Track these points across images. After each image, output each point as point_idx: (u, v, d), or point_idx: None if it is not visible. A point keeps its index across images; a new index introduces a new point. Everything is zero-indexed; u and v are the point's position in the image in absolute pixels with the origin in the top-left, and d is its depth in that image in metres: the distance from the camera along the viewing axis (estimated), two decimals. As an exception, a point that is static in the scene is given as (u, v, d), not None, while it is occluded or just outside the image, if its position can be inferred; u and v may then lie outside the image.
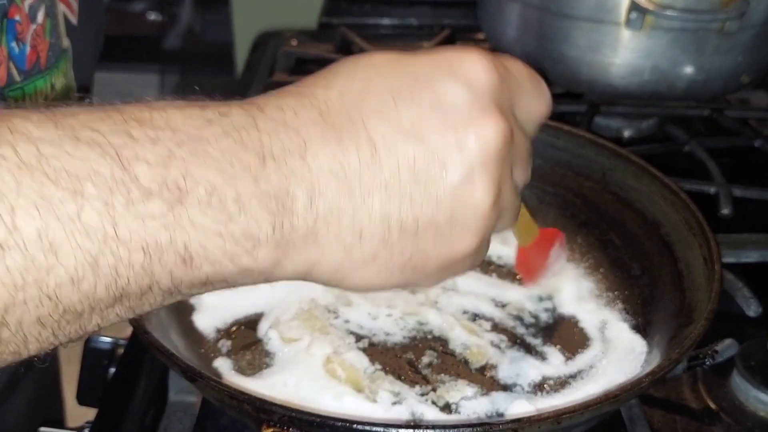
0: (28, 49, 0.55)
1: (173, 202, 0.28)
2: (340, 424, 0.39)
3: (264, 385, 0.49)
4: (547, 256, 0.54)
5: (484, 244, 0.35)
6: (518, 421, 0.40)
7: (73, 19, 0.65)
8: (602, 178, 0.64)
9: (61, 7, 0.62)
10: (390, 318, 0.56)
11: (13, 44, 0.53)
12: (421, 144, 0.32)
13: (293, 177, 0.30)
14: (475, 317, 0.57)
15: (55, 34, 0.60)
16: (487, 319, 0.57)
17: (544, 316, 0.58)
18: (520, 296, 0.59)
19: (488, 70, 0.34)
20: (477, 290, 0.60)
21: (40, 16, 0.57)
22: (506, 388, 0.51)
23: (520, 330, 0.56)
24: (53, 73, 0.59)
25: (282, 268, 0.32)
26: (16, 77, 0.54)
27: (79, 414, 0.62)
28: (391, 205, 0.32)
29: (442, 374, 0.52)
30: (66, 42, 0.63)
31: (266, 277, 0.32)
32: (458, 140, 0.32)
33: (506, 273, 0.62)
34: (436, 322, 0.56)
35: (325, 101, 0.32)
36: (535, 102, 0.38)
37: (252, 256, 0.30)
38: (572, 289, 0.60)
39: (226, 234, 0.29)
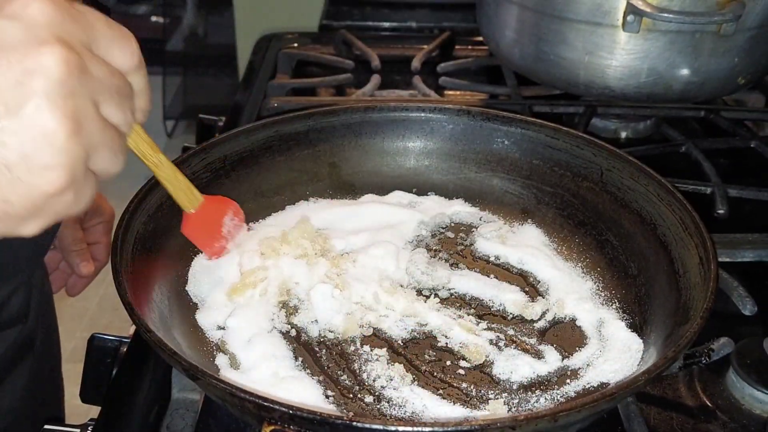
0: None
1: None
2: (339, 422, 0.40)
3: (248, 379, 0.50)
4: (219, 224, 0.59)
5: (79, 179, 0.35)
6: (516, 419, 0.40)
7: None
8: (600, 179, 0.65)
9: None
10: (388, 319, 0.57)
11: None
12: None
13: None
14: (474, 316, 0.58)
15: None
16: (485, 318, 0.58)
17: (542, 315, 0.58)
18: (518, 295, 0.60)
19: (44, 4, 0.34)
20: (475, 290, 0.61)
21: None
22: (504, 385, 0.52)
23: (518, 329, 0.57)
24: None
25: None
26: None
27: (81, 412, 0.63)
28: None
29: (442, 372, 0.53)
30: None
31: None
32: (16, 76, 0.32)
33: (505, 273, 0.63)
34: (435, 322, 0.57)
35: None
36: (117, 45, 0.38)
37: None
38: (570, 288, 0.60)
39: None
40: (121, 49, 0.38)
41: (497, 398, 0.50)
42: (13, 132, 0.32)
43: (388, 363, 0.53)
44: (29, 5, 0.34)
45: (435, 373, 0.52)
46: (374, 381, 0.51)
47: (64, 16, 0.35)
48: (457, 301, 0.60)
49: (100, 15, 0.38)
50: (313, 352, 0.54)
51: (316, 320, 0.56)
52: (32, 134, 0.32)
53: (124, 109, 0.38)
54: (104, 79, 0.36)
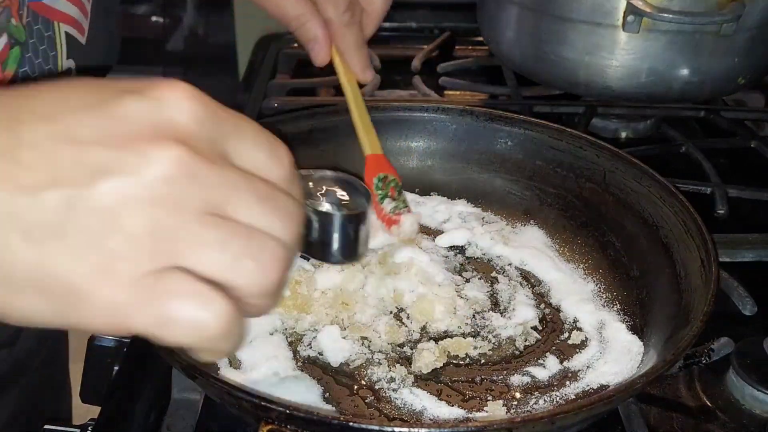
0: None
1: None
2: (336, 422, 0.40)
3: (248, 379, 0.50)
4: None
5: (142, 282, 0.29)
6: (513, 421, 0.40)
7: (81, 39, 0.64)
8: (603, 180, 0.65)
9: (64, 29, 0.61)
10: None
11: None
12: (78, 148, 0.29)
13: None
14: (475, 315, 0.58)
15: (44, 59, 0.59)
16: (486, 318, 0.58)
17: (543, 317, 0.58)
18: (519, 297, 0.60)
19: (190, 98, 0.31)
20: (477, 291, 0.60)
21: None
22: (503, 387, 0.52)
23: (519, 330, 0.57)
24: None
25: None
26: None
27: (81, 412, 0.63)
28: (16, 204, 0.28)
29: (442, 374, 0.53)
30: (66, 64, 0.62)
31: None
32: (120, 157, 0.29)
33: (507, 274, 0.63)
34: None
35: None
36: (262, 156, 0.33)
37: None
38: (571, 289, 0.60)
39: None
40: (268, 158, 0.33)
41: (496, 400, 0.50)
42: (87, 209, 0.28)
43: (389, 365, 0.53)
44: (174, 94, 0.31)
45: (435, 375, 0.52)
46: (374, 382, 0.51)
47: (204, 114, 0.31)
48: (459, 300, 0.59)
49: (250, 121, 0.34)
50: (314, 355, 0.54)
51: (321, 352, 0.54)
52: (107, 219, 0.29)
53: (264, 213, 0.32)
54: (226, 183, 0.31)
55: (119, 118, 0.30)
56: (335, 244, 0.42)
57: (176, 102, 0.31)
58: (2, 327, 0.69)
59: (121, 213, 0.29)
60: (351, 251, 0.43)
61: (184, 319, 0.30)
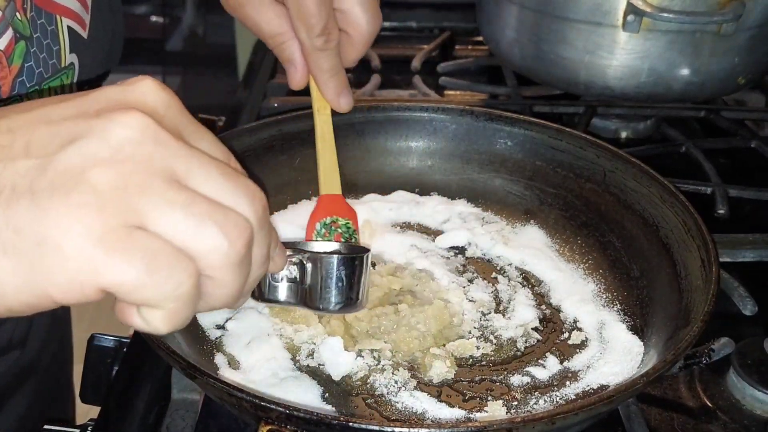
0: None
1: None
2: (336, 422, 0.40)
3: (247, 379, 0.50)
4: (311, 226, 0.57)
5: (110, 237, 0.30)
6: (513, 421, 0.40)
7: (83, 33, 0.63)
8: (603, 180, 0.65)
9: (66, 23, 0.60)
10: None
11: None
12: (51, 126, 0.32)
13: None
14: (481, 318, 0.58)
15: (48, 53, 0.59)
16: (487, 319, 0.58)
17: (543, 317, 0.58)
18: (520, 297, 0.60)
19: (160, 87, 0.34)
20: (482, 293, 0.60)
21: (4, 42, 0.54)
22: (504, 387, 0.52)
23: (520, 331, 0.57)
24: (32, 96, 0.58)
25: None
26: None
27: (81, 412, 0.63)
28: (5, 174, 0.30)
29: (442, 375, 0.52)
30: (69, 59, 0.61)
31: None
32: (89, 124, 0.32)
33: (507, 274, 0.63)
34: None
35: None
36: (219, 154, 0.35)
37: None
38: (572, 289, 0.60)
39: None
40: (226, 158, 0.35)
41: (496, 400, 0.50)
42: (61, 164, 0.30)
43: (392, 367, 0.53)
44: (143, 82, 0.34)
45: (435, 377, 0.52)
46: (375, 383, 0.51)
47: (173, 102, 0.34)
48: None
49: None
50: (314, 365, 0.54)
51: (322, 364, 0.53)
52: (81, 172, 0.30)
53: (227, 188, 0.33)
54: (190, 155, 0.33)
55: (92, 101, 0.32)
56: (332, 289, 0.41)
57: (146, 87, 0.33)
58: (15, 326, 0.69)
59: (88, 171, 0.30)
60: (348, 297, 0.42)
61: (150, 276, 0.30)
